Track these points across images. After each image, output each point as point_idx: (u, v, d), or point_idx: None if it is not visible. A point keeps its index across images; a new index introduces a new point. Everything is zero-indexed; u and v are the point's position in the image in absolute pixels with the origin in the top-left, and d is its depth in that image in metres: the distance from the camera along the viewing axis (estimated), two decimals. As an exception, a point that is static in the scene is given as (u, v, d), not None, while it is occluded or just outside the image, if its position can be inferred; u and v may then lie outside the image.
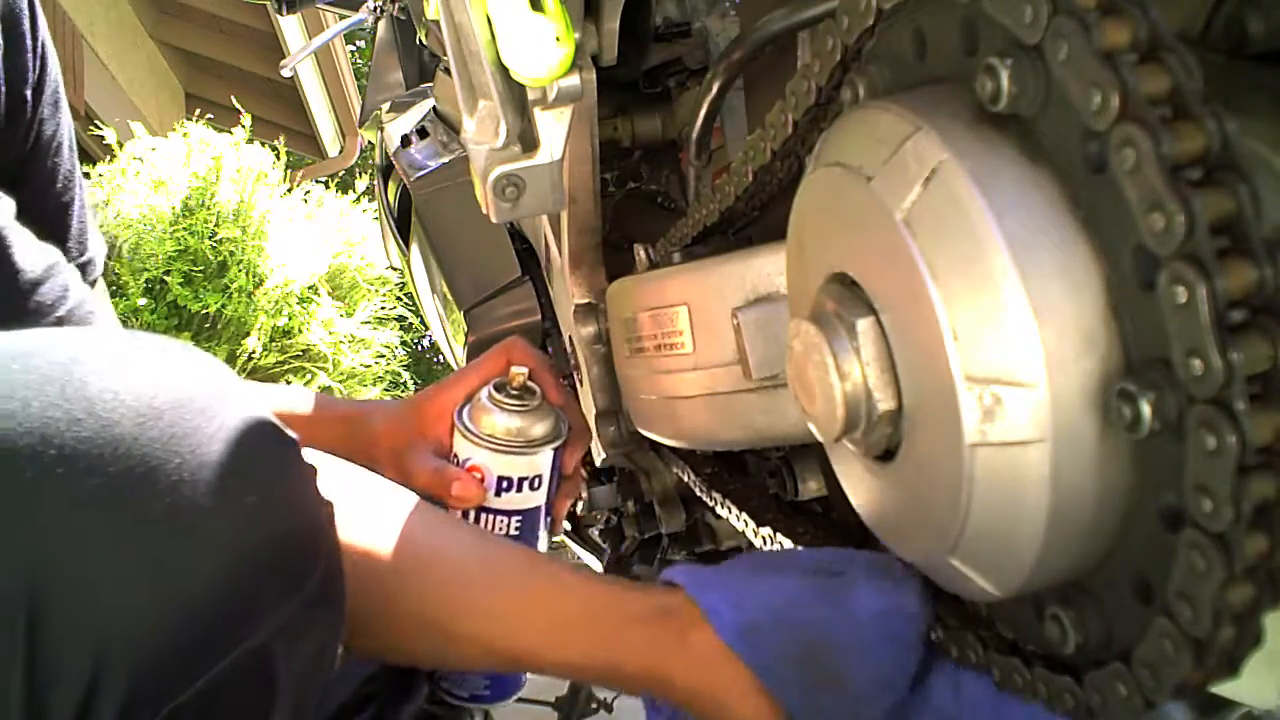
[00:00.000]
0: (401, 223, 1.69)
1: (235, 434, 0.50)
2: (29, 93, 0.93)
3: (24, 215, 0.95)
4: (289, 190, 4.84)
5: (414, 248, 1.60)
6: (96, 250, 1.04)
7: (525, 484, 0.86)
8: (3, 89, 0.89)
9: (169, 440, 0.46)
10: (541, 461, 0.86)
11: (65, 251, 0.99)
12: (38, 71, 0.94)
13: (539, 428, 0.86)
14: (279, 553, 0.50)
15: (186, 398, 0.48)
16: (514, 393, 0.86)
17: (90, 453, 0.43)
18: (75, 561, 0.43)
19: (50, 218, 0.98)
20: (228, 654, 0.47)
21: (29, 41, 0.92)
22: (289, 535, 0.51)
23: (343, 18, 2.11)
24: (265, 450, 0.51)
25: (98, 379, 0.45)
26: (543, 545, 0.91)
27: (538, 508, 0.88)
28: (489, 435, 0.85)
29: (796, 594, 0.57)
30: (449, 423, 0.88)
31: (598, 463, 1.03)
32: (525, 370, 0.87)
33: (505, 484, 0.85)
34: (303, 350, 4.51)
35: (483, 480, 0.85)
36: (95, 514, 0.44)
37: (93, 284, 1.03)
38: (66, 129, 0.99)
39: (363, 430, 0.93)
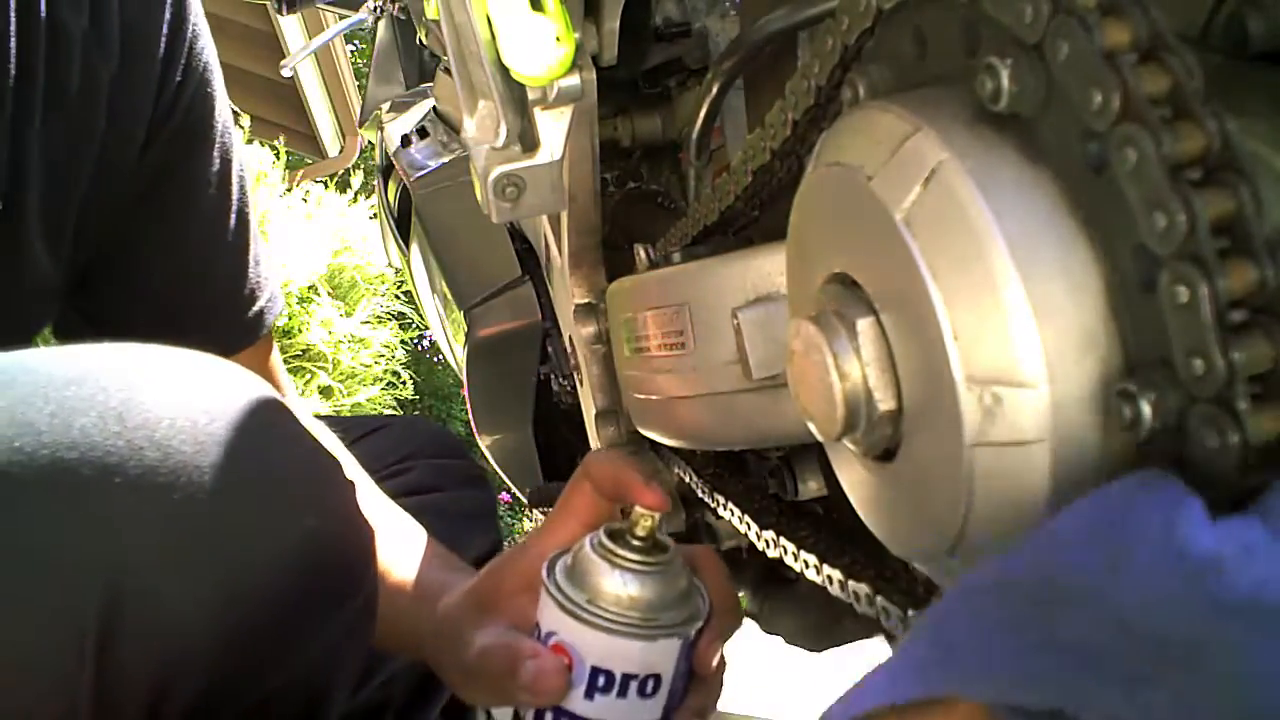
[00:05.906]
0: (401, 222, 1.69)
1: (289, 458, 0.53)
2: (150, 107, 0.77)
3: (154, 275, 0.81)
4: (288, 190, 4.83)
5: (414, 247, 1.60)
6: (268, 300, 0.89)
7: (633, 685, 0.55)
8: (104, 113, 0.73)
9: (227, 465, 0.48)
10: (662, 653, 0.55)
11: (216, 311, 0.85)
12: (167, 92, 0.77)
13: (667, 601, 0.56)
14: (335, 573, 0.53)
15: (239, 422, 0.50)
16: (637, 544, 0.56)
17: (155, 481, 0.46)
18: (143, 583, 0.45)
19: (195, 271, 0.84)
20: (286, 670, 0.50)
21: (157, 64, 0.76)
22: (344, 556, 0.54)
23: (343, 18, 2.11)
24: (317, 474, 0.54)
25: (155, 406, 0.48)
26: None
27: None
28: (588, 602, 0.55)
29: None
30: (537, 590, 0.58)
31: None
32: (655, 515, 0.57)
33: (602, 680, 0.55)
34: (302, 350, 4.51)
35: (570, 667, 0.55)
36: (163, 538, 0.46)
37: (262, 335, 0.88)
38: (213, 163, 0.82)
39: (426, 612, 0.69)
